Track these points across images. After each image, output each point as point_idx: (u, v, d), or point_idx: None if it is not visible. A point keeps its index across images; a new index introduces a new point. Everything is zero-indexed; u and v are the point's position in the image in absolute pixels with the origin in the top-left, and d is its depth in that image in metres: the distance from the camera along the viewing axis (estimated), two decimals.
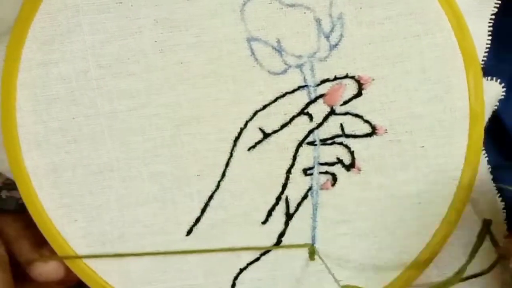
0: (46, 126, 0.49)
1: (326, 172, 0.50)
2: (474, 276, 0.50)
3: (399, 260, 0.51)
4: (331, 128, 0.50)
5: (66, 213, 0.50)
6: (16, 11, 0.48)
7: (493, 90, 0.51)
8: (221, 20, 0.48)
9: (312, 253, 0.51)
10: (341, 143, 0.50)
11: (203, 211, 0.51)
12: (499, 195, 0.53)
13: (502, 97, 0.52)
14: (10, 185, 0.53)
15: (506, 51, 0.52)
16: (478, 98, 0.49)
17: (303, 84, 0.49)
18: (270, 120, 0.49)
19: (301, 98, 0.49)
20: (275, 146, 0.50)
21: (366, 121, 0.49)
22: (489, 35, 0.50)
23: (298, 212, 0.51)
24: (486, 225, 0.51)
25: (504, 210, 0.53)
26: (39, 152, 0.50)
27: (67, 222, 0.51)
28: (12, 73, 0.49)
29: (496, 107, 0.53)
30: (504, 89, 0.52)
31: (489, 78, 0.51)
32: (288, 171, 0.50)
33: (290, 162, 0.50)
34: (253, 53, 0.48)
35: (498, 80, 0.52)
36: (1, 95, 0.49)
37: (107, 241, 0.51)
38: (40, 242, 0.51)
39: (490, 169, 0.52)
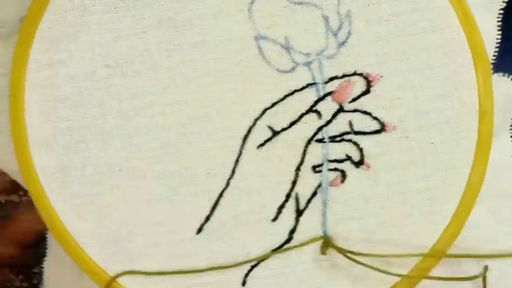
0: (55, 126, 0.49)
1: (335, 169, 0.50)
2: None
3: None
4: (339, 125, 0.49)
5: (75, 213, 0.51)
6: (20, 12, 0.48)
7: (505, 86, 0.51)
8: (228, 19, 0.48)
9: (326, 245, 0.51)
10: (350, 140, 0.50)
11: (213, 209, 0.51)
12: None
13: None
14: (9, 189, 0.53)
15: None
16: (487, 94, 0.48)
17: (311, 81, 0.49)
18: (279, 118, 0.49)
19: (309, 96, 0.49)
20: (284, 144, 0.50)
21: (375, 118, 0.49)
22: (498, 30, 0.50)
23: (308, 209, 0.51)
24: None
25: None
26: (48, 152, 0.50)
27: (76, 222, 0.51)
28: (20, 73, 0.49)
29: None
30: None
31: (501, 74, 0.51)
32: (298, 168, 0.50)
33: (299, 159, 0.50)
34: (261, 52, 0.48)
35: (511, 76, 0.51)
36: (9, 95, 0.49)
37: (117, 241, 0.51)
38: None
39: None
